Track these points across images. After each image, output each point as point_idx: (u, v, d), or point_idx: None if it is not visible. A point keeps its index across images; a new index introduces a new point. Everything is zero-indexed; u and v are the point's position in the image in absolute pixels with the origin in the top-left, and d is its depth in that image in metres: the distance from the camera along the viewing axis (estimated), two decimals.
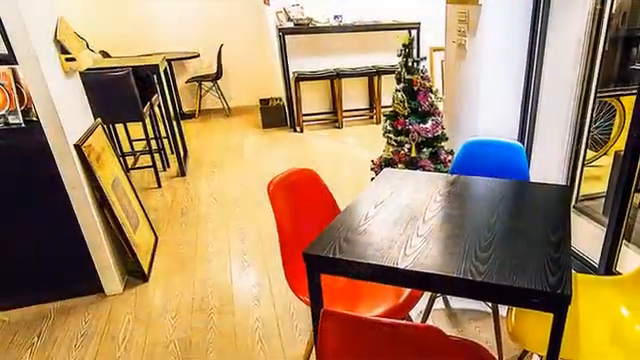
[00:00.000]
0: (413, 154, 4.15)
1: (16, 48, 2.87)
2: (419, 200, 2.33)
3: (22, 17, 2.80)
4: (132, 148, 6.50)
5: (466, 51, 3.91)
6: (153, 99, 5.79)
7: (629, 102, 3.96)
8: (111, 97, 4.95)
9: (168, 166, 6.43)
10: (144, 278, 3.80)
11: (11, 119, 3.01)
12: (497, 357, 2.82)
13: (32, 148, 3.13)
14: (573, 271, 1.96)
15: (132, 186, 4.17)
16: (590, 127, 3.54)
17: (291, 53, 7.61)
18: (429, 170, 4.10)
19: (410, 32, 7.54)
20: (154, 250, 4.23)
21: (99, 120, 3.86)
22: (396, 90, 4.21)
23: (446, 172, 3.22)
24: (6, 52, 2.87)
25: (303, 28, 7.35)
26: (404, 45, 4.09)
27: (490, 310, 3.27)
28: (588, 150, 3.65)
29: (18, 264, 3.43)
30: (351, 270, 1.85)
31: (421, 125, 4.09)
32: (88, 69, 3.80)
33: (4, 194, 3.22)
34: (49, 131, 3.10)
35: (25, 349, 3.12)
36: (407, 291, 2.40)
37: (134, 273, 3.86)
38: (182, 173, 6.08)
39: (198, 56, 8.68)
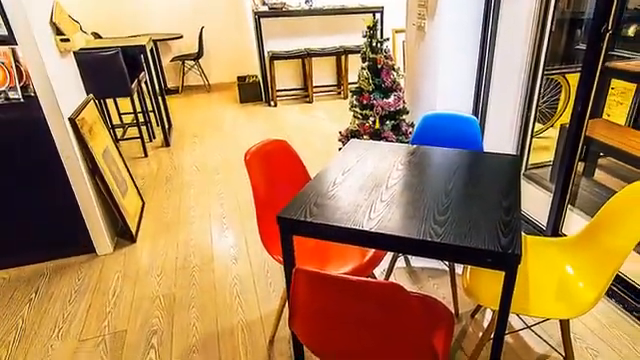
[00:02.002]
0: (377, 126, 4.13)
1: (15, 30, 2.87)
2: (382, 168, 2.30)
3: (21, 1, 2.80)
4: (121, 121, 6.43)
5: (425, 33, 3.87)
6: (140, 76, 5.72)
7: (574, 79, 3.97)
8: (102, 74, 4.93)
9: (154, 137, 6.36)
10: (132, 239, 3.77)
11: (11, 95, 3.01)
12: (453, 311, 2.83)
13: (30, 121, 3.12)
14: (523, 233, 1.95)
15: (121, 155, 4.11)
16: (538, 102, 3.54)
17: (266, 35, 7.54)
18: (391, 141, 4.08)
19: (374, 15, 7.50)
20: (141, 214, 4.19)
21: (91, 95, 3.82)
22: (361, 68, 4.19)
23: (407, 143, 3.20)
24: (6, 33, 2.87)
25: (277, 12, 7.28)
26: (369, 27, 4.05)
27: (447, 268, 3.28)
28: (536, 123, 3.66)
29: (17, 226, 3.40)
30: (320, 232, 1.83)
31: (384, 100, 4.07)
32: (81, 49, 3.77)
33: (4, 163, 3.20)
34: (46, 105, 3.10)
35: (24, 304, 3.09)
36: (371, 251, 2.39)
37: (123, 235, 3.84)
38: (167, 144, 6.02)
39: (181, 37, 8.55)
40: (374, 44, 4.07)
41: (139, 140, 5.70)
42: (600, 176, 4.04)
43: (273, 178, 2.55)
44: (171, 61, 8.75)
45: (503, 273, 1.60)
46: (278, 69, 7.83)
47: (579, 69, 2.84)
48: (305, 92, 8.13)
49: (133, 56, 5.35)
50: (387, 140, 4.08)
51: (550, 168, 3.85)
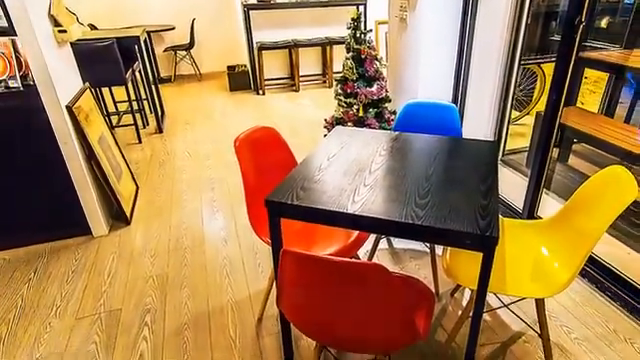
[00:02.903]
0: (361, 114, 4.11)
1: (15, 22, 2.87)
2: (366, 154, 2.28)
3: None
4: (116, 108, 6.39)
5: (407, 24, 3.84)
6: (134, 66, 5.65)
7: (549, 69, 3.98)
8: (98, 64, 4.89)
9: (147, 124, 6.30)
10: (127, 222, 3.74)
11: (11, 83, 3.02)
12: (434, 291, 2.83)
13: (29, 109, 3.11)
14: (500, 216, 1.94)
15: (116, 142, 4.07)
16: (515, 90, 3.53)
17: (255, 26, 7.49)
18: (374, 128, 4.06)
19: (358, 7, 7.43)
20: (135, 198, 4.15)
21: (87, 84, 3.80)
22: (346, 58, 4.15)
23: (389, 130, 3.18)
24: (6, 25, 2.87)
25: (265, 4, 7.23)
26: (353, 19, 4.02)
27: (428, 250, 3.28)
28: (513, 110, 3.65)
29: (17, 209, 3.38)
30: (307, 214, 1.82)
31: (368, 88, 4.05)
32: (78, 40, 3.74)
33: (5, 149, 3.18)
34: (44, 94, 3.09)
35: (23, 283, 3.07)
36: (355, 233, 2.38)
37: (118, 217, 3.82)
38: (160, 130, 5.97)
39: (173, 28, 8.48)
40: (358, 35, 4.03)
41: (133, 127, 5.65)
42: (574, 161, 4.06)
43: (261, 163, 2.53)
44: (164, 51, 8.70)
45: (481, 254, 1.59)
46: (266, 59, 7.80)
47: (554, 59, 2.83)
48: (292, 81, 8.10)
49: (127, 47, 5.31)
50: (370, 127, 4.06)
51: (526, 154, 3.85)
